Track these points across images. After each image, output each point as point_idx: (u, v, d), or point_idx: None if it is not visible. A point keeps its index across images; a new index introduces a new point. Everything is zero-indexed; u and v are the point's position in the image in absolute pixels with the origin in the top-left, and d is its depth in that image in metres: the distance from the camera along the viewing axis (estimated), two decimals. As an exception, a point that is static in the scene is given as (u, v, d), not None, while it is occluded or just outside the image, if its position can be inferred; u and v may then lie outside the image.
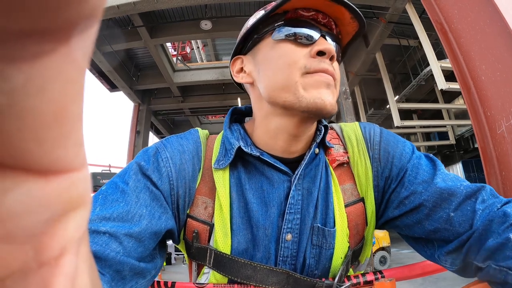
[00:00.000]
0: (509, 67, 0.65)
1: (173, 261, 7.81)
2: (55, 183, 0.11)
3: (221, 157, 0.54)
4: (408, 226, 0.51)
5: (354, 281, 0.54)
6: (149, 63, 8.90)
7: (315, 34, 0.50)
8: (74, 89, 0.10)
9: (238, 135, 0.55)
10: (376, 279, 0.55)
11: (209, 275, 0.54)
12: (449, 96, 9.49)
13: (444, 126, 9.72)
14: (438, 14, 0.84)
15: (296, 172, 0.52)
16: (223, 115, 12.69)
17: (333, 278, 0.52)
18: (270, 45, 0.51)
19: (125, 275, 0.41)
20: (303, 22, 0.50)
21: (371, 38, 6.98)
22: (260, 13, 0.53)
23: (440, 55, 5.29)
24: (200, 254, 0.52)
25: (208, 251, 0.51)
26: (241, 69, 0.57)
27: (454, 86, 4.91)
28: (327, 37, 0.51)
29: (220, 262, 0.51)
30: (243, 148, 0.52)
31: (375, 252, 5.58)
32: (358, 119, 8.51)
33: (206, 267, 0.53)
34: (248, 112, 0.63)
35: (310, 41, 0.49)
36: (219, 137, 0.58)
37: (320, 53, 0.49)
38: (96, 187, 7.53)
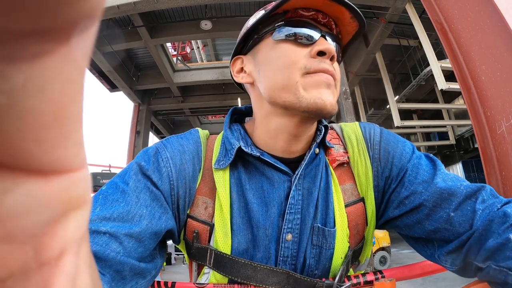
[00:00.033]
0: (509, 67, 0.65)
1: (173, 261, 7.81)
2: (55, 183, 0.11)
3: (222, 157, 0.54)
4: (408, 226, 0.51)
5: (354, 281, 0.54)
6: (149, 63, 8.91)
7: (315, 34, 0.50)
8: (74, 89, 0.10)
9: (239, 135, 0.55)
10: (376, 279, 0.55)
11: (209, 275, 0.54)
12: (449, 96, 9.49)
13: (444, 126, 9.72)
14: (438, 14, 0.84)
15: (296, 172, 0.52)
16: (223, 115, 12.69)
17: (333, 278, 0.52)
18: (270, 45, 0.51)
19: (125, 275, 0.41)
20: (303, 22, 0.50)
21: (371, 38, 6.98)
22: (260, 13, 0.53)
23: (440, 55, 5.29)
24: (200, 254, 0.52)
25: (208, 251, 0.51)
26: (241, 69, 0.57)
27: (454, 86, 4.91)
28: (327, 37, 0.51)
29: (220, 262, 0.51)
30: (243, 148, 0.52)
31: (375, 252, 5.58)
32: (358, 119, 8.50)
33: (206, 267, 0.53)
34: (248, 112, 0.63)
35: (310, 41, 0.49)
36: (219, 137, 0.58)
37: (321, 53, 0.49)
38: (96, 187, 7.54)
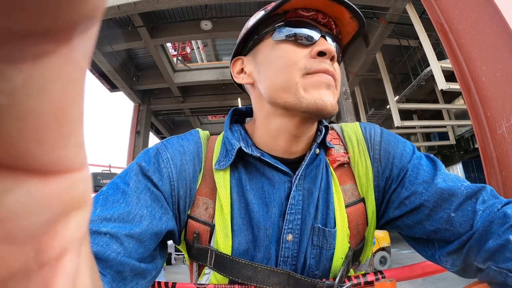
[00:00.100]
0: (510, 68, 0.65)
1: (173, 261, 7.81)
2: (55, 183, 0.11)
3: (222, 158, 0.54)
4: (409, 227, 0.51)
5: (355, 281, 0.54)
6: (149, 63, 8.91)
7: (315, 35, 0.50)
8: (75, 89, 0.10)
9: (239, 136, 0.55)
10: (377, 279, 0.55)
11: (210, 276, 0.54)
12: (449, 96, 9.49)
13: (444, 126, 9.71)
14: (438, 14, 0.84)
15: (296, 173, 0.52)
16: (223, 115, 12.69)
17: (334, 279, 0.52)
18: (271, 46, 0.51)
19: (126, 276, 0.41)
20: (303, 23, 0.50)
21: (371, 38, 6.98)
22: (260, 14, 0.53)
23: (440, 56, 5.29)
24: (201, 255, 0.52)
25: (209, 251, 0.51)
26: (242, 70, 0.57)
27: (454, 86, 4.91)
28: (327, 37, 0.51)
29: (221, 263, 0.51)
30: (244, 149, 0.52)
31: (375, 253, 5.58)
32: (358, 119, 8.50)
33: (207, 267, 0.53)
34: (248, 112, 0.63)
35: (310, 42, 0.49)
36: (219, 138, 0.58)
37: (321, 54, 0.49)
38: (96, 187, 7.54)
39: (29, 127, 0.09)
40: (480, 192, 0.46)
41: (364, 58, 7.53)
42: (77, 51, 0.10)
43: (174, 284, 0.55)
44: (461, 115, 10.33)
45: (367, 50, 7.26)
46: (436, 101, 9.10)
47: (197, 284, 0.53)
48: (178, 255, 7.93)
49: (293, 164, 0.54)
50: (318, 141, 0.54)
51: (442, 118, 9.60)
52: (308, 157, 0.53)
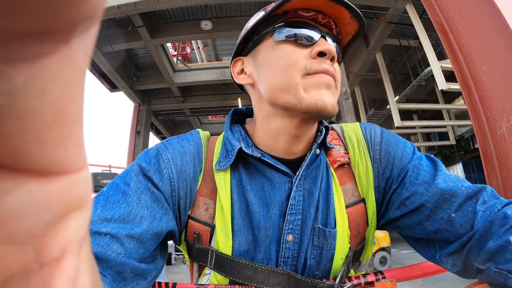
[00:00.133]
0: (510, 68, 0.65)
1: (173, 261, 7.81)
2: (55, 184, 0.11)
3: (222, 158, 0.54)
4: (409, 227, 0.51)
5: (355, 282, 0.54)
6: (150, 63, 8.91)
7: (315, 35, 0.50)
8: (75, 89, 0.10)
9: (239, 136, 0.55)
10: (377, 280, 0.55)
11: (210, 276, 0.54)
12: (450, 96, 9.48)
13: (445, 126, 9.71)
14: (438, 14, 0.84)
15: (297, 173, 0.52)
16: (223, 115, 12.70)
17: (334, 279, 0.52)
18: (271, 46, 0.51)
19: (126, 276, 0.41)
20: (303, 23, 0.50)
21: (371, 39, 6.98)
22: (260, 14, 0.53)
23: (441, 56, 5.29)
24: (201, 255, 0.52)
25: (209, 252, 0.51)
26: (242, 71, 0.57)
27: (455, 86, 4.91)
28: (327, 38, 0.51)
29: (221, 263, 0.51)
30: (244, 149, 0.52)
31: (375, 253, 5.58)
32: (358, 119, 8.50)
33: (208, 268, 0.53)
34: (249, 113, 0.63)
35: (310, 42, 0.49)
36: (220, 139, 0.58)
37: (321, 54, 0.49)
38: (96, 187, 7.54)
39: (29, 127, 0.09)
40: (481, 193, 0.46)
41: (364, 58, 7.53)
42: (77, 51, 0.10)
43: (174, 284, 0.55)
44: (461, 115, 10.32)
45: (367, 50, 7.26)
46: (436, 101, 9.10)
47: (198, 284, 0.53)
48: (178, 255, 7.93)
49: (294, 164, 0.54)
50: (319, 141, 0.54)
51: (442, 118, 9.60)
52: (309, 157, 0.53)
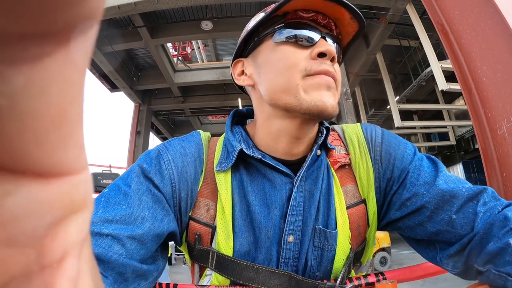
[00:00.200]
0: (510, 69, 0.65)
1: (173, 261, 7.81)
2: (55, 186, 0.10)
3: (223, 160, 0.54)
4: (410, 228, 0.51)
5: (356, 282, 0.54)
6: (150, 63, 8.92)
7: (316, 36, 0.50)
8: (74, 90, 0.10)
9: (240, 138, 0.55)
10: (378, 280, 0.55)
11: (211, 277, 0.54)
12: (450, 96, 9.47)
13: (445, 126, 9.71)
14: (439, 15, 0.84)
15: (298, 174, 0.52)
16: (223, 115, 12.70)
17: (335, 280, 0.52)
18: (271, 48, 0.51)
19: (127, 277, 0.41)
20: (303, 24, 0.50)
21: (371, 39, 6.98)
22: (260, 16, 0.53)
23: (441, 56, 5.29)
24: (202, 256, 0.52)
25: (210, 253, 0.51)
26: (242, 72, 0.57)
27: (455, 86, 4.91)
28: (327, 38, 0.51)
29: (222, 264, 0.51)
30: (245, 150, 0.52)
31: (375, 253, 5.58)
32: (358, 119, 8.51)
33: (209, 269, 0.53)
34: (249, 114, 0.63)
35: (310, 43, 0.49)
36: (221, 140, 0.58)
37: (321, 55, 0.49)
38: (97, 187, 7.54)
39: (29, 129, 0.09)
40: (481, 194, 0.46)
41: (365, 58, 7.53)
42: (76, 52, 0.10)
43: (175, 285, 0.55)
44: (462, 115, 10.31)
45: (368, 50, 7.26)
46: (436, 101, 9.10)
47: (199, 285, 0.53)
48: (178, 255, 7.93)
49: (294, 165, 0.54)
50: (319, 142, 0.54)
51: (442, 119, 9.60)
52: (309, 158, 0.53)
